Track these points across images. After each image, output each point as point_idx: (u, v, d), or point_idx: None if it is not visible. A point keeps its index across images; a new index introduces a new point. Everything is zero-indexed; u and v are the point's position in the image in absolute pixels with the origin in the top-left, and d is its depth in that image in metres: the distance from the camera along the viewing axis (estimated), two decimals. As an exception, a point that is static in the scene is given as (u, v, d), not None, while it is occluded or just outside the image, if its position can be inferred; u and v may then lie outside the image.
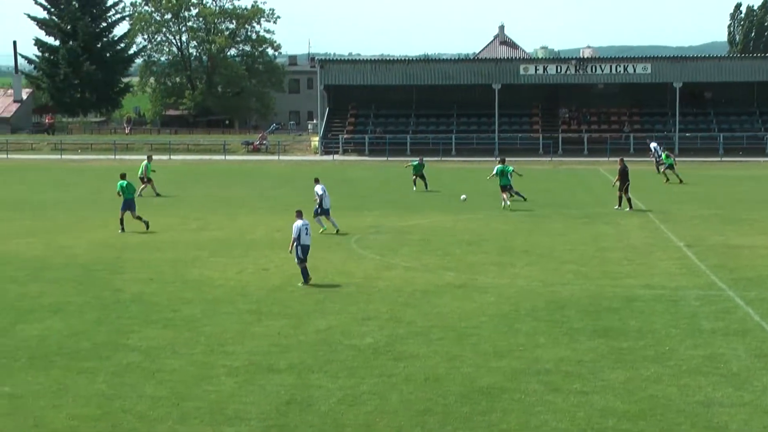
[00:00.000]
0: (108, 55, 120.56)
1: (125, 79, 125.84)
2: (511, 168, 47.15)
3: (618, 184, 44.87)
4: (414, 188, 54.61)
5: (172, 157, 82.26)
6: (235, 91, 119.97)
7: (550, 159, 78.16)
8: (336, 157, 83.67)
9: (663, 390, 18.14)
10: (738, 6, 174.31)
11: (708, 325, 23.02)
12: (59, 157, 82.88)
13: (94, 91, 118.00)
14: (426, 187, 54.47)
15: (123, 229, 37.95)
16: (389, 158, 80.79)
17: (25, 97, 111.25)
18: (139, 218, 38.49)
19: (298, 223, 28.05)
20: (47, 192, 53.00)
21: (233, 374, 19.23)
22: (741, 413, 16.90)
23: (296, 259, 28.02)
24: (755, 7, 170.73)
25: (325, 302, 25.63)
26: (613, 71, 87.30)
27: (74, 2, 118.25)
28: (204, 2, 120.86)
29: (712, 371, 19.25)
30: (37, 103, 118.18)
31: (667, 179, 58.15)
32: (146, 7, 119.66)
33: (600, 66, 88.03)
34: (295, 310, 24.69)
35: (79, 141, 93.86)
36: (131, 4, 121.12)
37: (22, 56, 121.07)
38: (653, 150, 66.32)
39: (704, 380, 18.67)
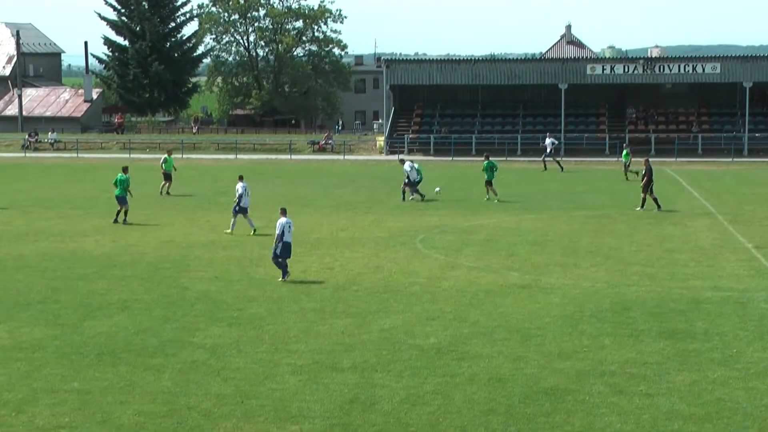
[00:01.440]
0: (176, 55, 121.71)
1: (193, 79, 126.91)
2: (496, 163, 49.87)
3: (643, 185, 44.47)
4: (486, 197, 49.45)
5: (238, 156, 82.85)
6: (302, 91, 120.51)
7: (616, 159, 77.52)
8: (401, 156, 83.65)
9: (730, 393, 17.95)
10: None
11: (776, 327, 22.73)
12: (128, 156, 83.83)
13: (163, 90, 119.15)
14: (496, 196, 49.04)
15: (116, 220, 40.46)
16: (454, 158, 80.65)
17: (95, 96, 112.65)
18: (123, 213, 40.44)
19: (282, 220, 28.48)
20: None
21: (297, 372, 19.34)
22: (809, 418, 16.68)
23: (272, 256, 28.43)
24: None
25: (389, 302, 25.68)
26: (682, 71, 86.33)
27: (144, 3, 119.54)
28: (271, 2, 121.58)
29: (780, 375, 19.01)
30: (106, 102, 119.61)
31: (627, 178, 58.52)
32: (214, 8, 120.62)
33: (668, 66, 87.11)
34: (359, 309, 24.77)
35: (147, 140, 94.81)
36: (199, 5, 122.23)
37: (93, 56, 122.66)
38: (549, 145, 69.24)
39: (772, 384, 18.45)
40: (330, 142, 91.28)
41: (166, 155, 53.62)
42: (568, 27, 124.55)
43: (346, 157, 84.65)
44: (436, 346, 21.26)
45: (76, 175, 65.85)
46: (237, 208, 38.31)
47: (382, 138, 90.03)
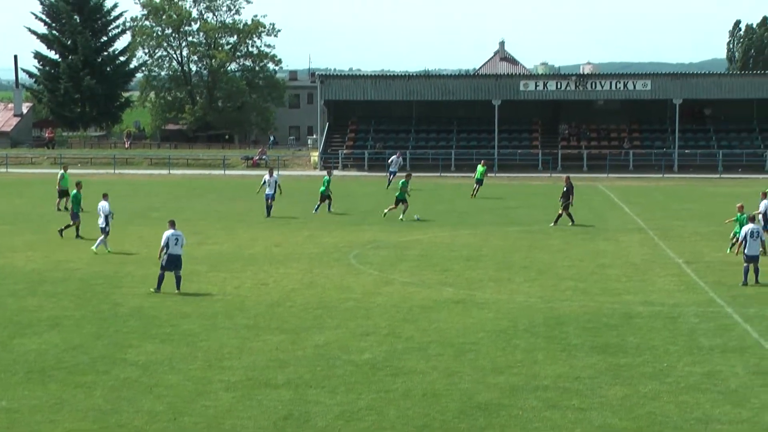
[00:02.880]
0: (108, 69, 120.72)
1: (126, 94, 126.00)
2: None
3: (562, 201, 45.37)
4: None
5: (171, 171, 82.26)
6: (236, 106, 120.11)
7: (549, 175, 78.18)
8: (335, 172, 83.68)
9: (661, 407, 18.13)
10: (737, 23, 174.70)
11: (706, 341, 23.01)
12: (59, 171, 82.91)
13: (95, 105, 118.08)
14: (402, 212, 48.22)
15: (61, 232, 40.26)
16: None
17: (25, 111, 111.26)
18: (63, 229, 40.21)
19: (168, 232, 28.65)
20: (46, 206, 52.95)
21: (231, 389, 19.21)
22: (739, 431, 16.88)
23: (161, 267, 28.77)
24: (754, 25, 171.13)
25: (324, 317, 25.62)
26: (613, 87, 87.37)
27: (75, 16, 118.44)
28: (205, 17, 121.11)
29: (710, 388, 19.24)
30: (37, 117, 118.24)
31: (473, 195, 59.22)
32: (147, 22, 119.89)
33: (600, 82, 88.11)
34: (293, 325, 24.68)
35: (79, 155, 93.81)
36: (132, 18, 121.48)
37: (23, 70, 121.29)
38: (392, 163, 67.77)
39: (702, 397, 18.66)
40: (264, 157, 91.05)
41: (62, 171, 53.46)
42: (502, 43, 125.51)
43: (280, 172, 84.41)
44: (371, 361, 21.24)
45: (5, 190, 64.95)
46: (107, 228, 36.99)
47: (317, 153, 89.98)
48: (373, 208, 52.35)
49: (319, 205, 50.76)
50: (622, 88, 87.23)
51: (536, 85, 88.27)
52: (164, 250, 28.55)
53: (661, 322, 25.02)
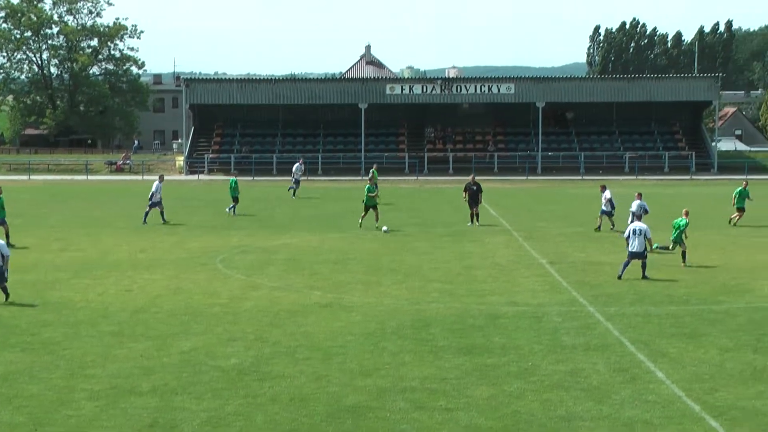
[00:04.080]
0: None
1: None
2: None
3: (469, 200, 46.99)
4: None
5: (32, 177, 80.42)
6: (98, 110, 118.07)
7: (416, 178, 78.78)
8: (201, 176, 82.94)
9: (526, 406, 18.36)
10: (597, 28, 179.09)
11: (570, 340, 23.41)
12: None
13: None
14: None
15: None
16: (255, 178, 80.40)
17: None
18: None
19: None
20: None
21: (94, 398, 18.81)
22: (601, 426, 17.20)
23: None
24: (613, 30, 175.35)
25: (190, 323, 25.29)
26: (478, 91, 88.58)
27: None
28: (65, 20, 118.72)
29: (573, 386, 19.57)
30: None
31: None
32: (5, 24, 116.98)
33: (465, 86, 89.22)
34: (159, 332, 24.31)
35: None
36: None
37: None
38: (296, 171, 65.03)
39: (566, 395, 18.96)
40: (128, 162, 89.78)
41: None
42: (368, 47, 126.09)
43: (145, 177, 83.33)
44: (238, 367, 21.04)
45: None
46: None
47: (182, 158, 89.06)
48: (238, 212, 51.99)
49: (233, 206, 52.10)
50: (486, 92, 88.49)
51: (402, 89, 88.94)
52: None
53: (526, 322, 25.37)
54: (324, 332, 24.27)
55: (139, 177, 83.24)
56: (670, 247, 34.30)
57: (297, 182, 63.40)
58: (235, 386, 19.59)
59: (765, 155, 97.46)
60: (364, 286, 30.63)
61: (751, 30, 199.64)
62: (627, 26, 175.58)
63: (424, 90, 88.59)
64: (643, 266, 31.62)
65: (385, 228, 44.03)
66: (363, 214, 45.86)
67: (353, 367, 20.98)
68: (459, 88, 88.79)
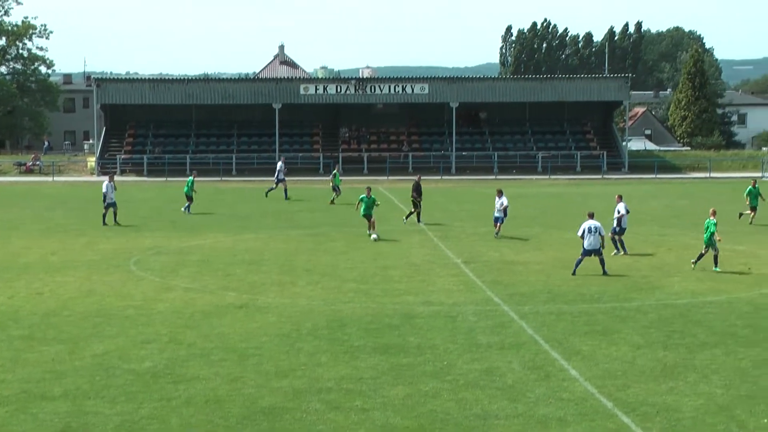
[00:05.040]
0: None
1: None
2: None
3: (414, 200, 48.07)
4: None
5: (-61, 178, 78.82)
6: (6, 111, 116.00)
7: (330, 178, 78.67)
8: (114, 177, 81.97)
9: (442, 405, 18.44)
10: (509, 29, 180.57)
11: (485, 339, 23.57)
12: None
13: None
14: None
15: None
16: (168, 179, 79.72)
17: None
18: None
19: None
20: None
21: (4, 403, 18.47)
22: (515, 424, 17.35)
23: None
24: (525, 30, 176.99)
25: (103, 326, 24.98)
26: (392, 91, 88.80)
27: None
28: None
29: (488, 384, 19.71)
30: None
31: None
32: None
33: (379, 86, 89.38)
34: (71, 335, 23.96)
35: None
36: None
37: None
38: (279, 170, 63.66)
39: (481, 393, 19.09)
40: (38, 163, 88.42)
41: None
42: (281, 47, 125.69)
43: (56, 178, 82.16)
44: (152, 369, 20.83)
45: None
46: None
47: (94, 159, 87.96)
48: (152, 213, 51.51)
49: (188, 205, 52.87)
50: (400, 92, 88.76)
51: (316, 89, 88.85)
52: None
53: (441, 322, 25.49)
54: (239, 333, 24.14)
55: (50, 178, 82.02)
56: (704, 252, 33.60)
57: (281, 181, 62.53)
58: (149, 389, 19.39)
59: (674, 154, 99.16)
60: (279, 287, 30.53)
61: (660, 31, 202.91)
62: (538, 27, 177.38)
63: (338, 90, 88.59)
64: (602, 262, 32.64)
65: (374, 236, 41.23)
66: (368, 224, 42.52)
67: (269, 369, 20.90)
68: (373, 88, 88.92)
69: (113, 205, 47.17)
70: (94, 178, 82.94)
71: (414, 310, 26.91)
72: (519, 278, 32.06)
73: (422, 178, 53.13)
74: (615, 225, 37.81)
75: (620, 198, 39.22)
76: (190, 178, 54.64)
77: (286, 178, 63.53)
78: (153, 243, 40.51)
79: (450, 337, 23.83)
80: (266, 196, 61.63)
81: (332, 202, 58.34)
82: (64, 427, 17.22)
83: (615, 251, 36.94)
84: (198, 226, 46.94)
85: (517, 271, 33.39)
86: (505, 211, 41.93)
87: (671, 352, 22.30)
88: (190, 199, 53.23)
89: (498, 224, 42.01)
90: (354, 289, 30.11)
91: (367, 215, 42.55)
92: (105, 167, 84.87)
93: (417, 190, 49.12)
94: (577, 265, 32.54)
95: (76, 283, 31.02)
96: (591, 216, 33.21)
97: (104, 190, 47.47)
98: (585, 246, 32.55)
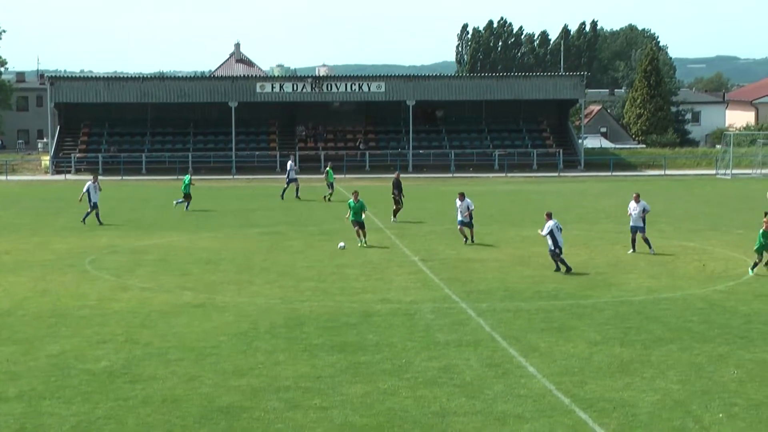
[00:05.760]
0: None
1: None
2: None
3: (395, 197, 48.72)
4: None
5: None
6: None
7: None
8: (69, 176, 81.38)
9: (400, 402, 18.45)
10: (465, 27, 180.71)
11: (443, 337, 23.60)
12: None
13: None
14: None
15: None
16: (124, 177, 79.24)
17: None
18: None
19: None
20: None
21: (-42, 405, 18.27)
22: (474, 421, 17.39)
23: None
24: (481, 29, 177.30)
25: (58, 326, 24.77)
26: (349, 89, 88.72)
27: None
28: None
29: (446, 382, 19.74)
30: None
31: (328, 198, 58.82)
32: None
33: (336, 84, 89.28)
34: (25, 335, 23.74)
35: None
36: None
37: None
38: (290, 170, 62.18)
39: (439, 391, 19.12)
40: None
41: None
42: (237, 45, 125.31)
43: (9, 177, 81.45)
44: (108, 369, 20.69)
45: None
46: None
47: (48, 157, 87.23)
48: (107, 212, 51.07)
49: (182, 201, 53.33)
50: (357, 90, 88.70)
51: (273, 87, 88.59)
52: None
53: (399, 320, 25.50)
54: (196, 333, 24.03)
55: (3, 177, 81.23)
56: (758, 260, 32.56)
57: (293, 180, 60.74)
58: (105, 389, 19.25)
59: (629, 152, 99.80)
60: (236, 286, 30.42)
61: (615, 30, 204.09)
62: (494, 25, 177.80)
63: (295, 88, 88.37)
64: (562, 261, 32.85)
65: (342, 244, 37.84)
66: (360, 232, 39.38)
67: (226, 368, 20.82)
68: (330, 86, 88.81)
69: (96, 205, 46.70)
70: (49, 176, 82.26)
71: (372, 308, 26.91)
72: (476, 276, 32.14)
73: (400, 176, 53.02)
74: (641, 224, 37.31)
75: (638, 197, 37.68)
76: (187, 176, 54.24)
77: (298, 177, 61.90)
78: (108, 242, 40.22)
79: (408, 334, 23.84)
80: (282, 198, 59.71)
81: (328, 199, 58.33)
82: (19, 428, 17.05)
83: (650, 250, 36.76)
84: (154, 225, 46.66)
85: (475, 269, 33.47)
86: (470, 215, 39.54)
87: (628, 349, 22.45)
88: (188, 197, 53.25)
89: (471, 230, 39.56)
90: (312, 288, 30.07)
91: (356, 221, 39.22)
92: (59, 166, 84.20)
93: (398, 187, 49.41)
94: (565, 261, 32.69)
95: (30, 283, 30.74)
96: (549, 216, 33.34)
97: (84, 189, 47.07)
98: (560, 244, 32.73)
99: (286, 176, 62.54)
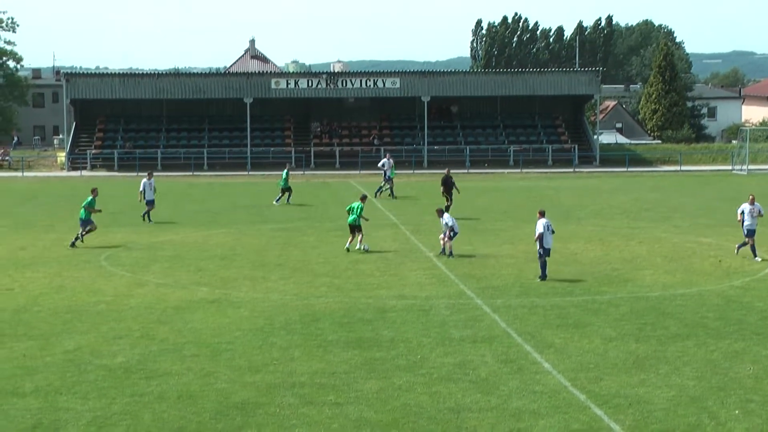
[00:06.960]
0: None
1: None
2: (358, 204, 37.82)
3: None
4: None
5: None
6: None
7: (302, 172, 78.58)
8: (84, 172, 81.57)
9: (415, 398, 18.45)
10: (479, 22, 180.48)
11: (457, 333, 23.60)
12: None
13: None
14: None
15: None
16: (139, 173, 79.34)
17: None
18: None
19: None
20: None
21: (-25, 400, 18.35)
22: (489, 417, 17.38)
23: None
24: (496, 24, 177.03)
25: (74, 322, 24.86)
26: (363, 85, 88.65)
27: None
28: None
29: (461, 378, 19.73)
30: None
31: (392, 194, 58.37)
32: None
33: (350, 80, 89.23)
34: (41, 331, 23.83)
35: None
36: None
37: None
38: (386, 168, 61.08)
39: (454, 387, 19.12)
40: (7, 158, 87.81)
41: None
42: (252, 41, 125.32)
43: (25, 174, 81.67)
44: (124, 365, 20.75)
45: None
46: None
47: (63, 154, 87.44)
48: (123, 209, 51.20)
49: (279, 197, 54.55)
50: (372, 86, 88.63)
51: (288, 83, 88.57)
52: None
53: (414, 315, 25.50)
54: (211, 329, 24.08)
55: (19, 173, 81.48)
56: None
57: (388, 180, 59.30)
58: (121, 385, 19.31)
59: (645, 148, 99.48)
60: (251, 282, 30.46)
61: (630, 25, 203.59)
62: (509, 20, 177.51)
63: (310, 84, 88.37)
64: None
65: (365, 246, 36.70)
66: (351, 237, 37.30)
67: (242, 364, 20.85)
68: (344, 82, 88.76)
69: (152, 203, 46.68)
70: (65, 173, 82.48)
71: (387, 304, 26.91)
72: (491, 272, 32.10)
73: (394, 172, 52.72)
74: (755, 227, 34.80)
75: (754, 199, 35.13)
76: (285, 170, 55.18)
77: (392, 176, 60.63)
78: (124, 238, 40.32)
79: (423, 330, 23.84)
80: (375, 197, 57.18)
81: (389, 194, 58.24)
82: (36, 423, 17.12)
83: (755, 257, 34.38)
84: (168, 221, 46.73)
85: (490, 265, 33.44)
86: (453, 230, 35.22)
87: (643, 345, 22.40)
88: (285, 191, 54.40)
89: (449, 241, 35.46)
90: (327, 284, 30.09)
91: (353, 225, 37.10)
92: (75, 162, 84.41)
93: (446, 184, 49.84)
94: (545, 269, 30.56)
95: (47, 279, 30.84)
96: (542, 214, 31.60)
97: (141, 188, 47.08)
98: (545, 245, 30.47)
99: (384, 174, 59.89)
